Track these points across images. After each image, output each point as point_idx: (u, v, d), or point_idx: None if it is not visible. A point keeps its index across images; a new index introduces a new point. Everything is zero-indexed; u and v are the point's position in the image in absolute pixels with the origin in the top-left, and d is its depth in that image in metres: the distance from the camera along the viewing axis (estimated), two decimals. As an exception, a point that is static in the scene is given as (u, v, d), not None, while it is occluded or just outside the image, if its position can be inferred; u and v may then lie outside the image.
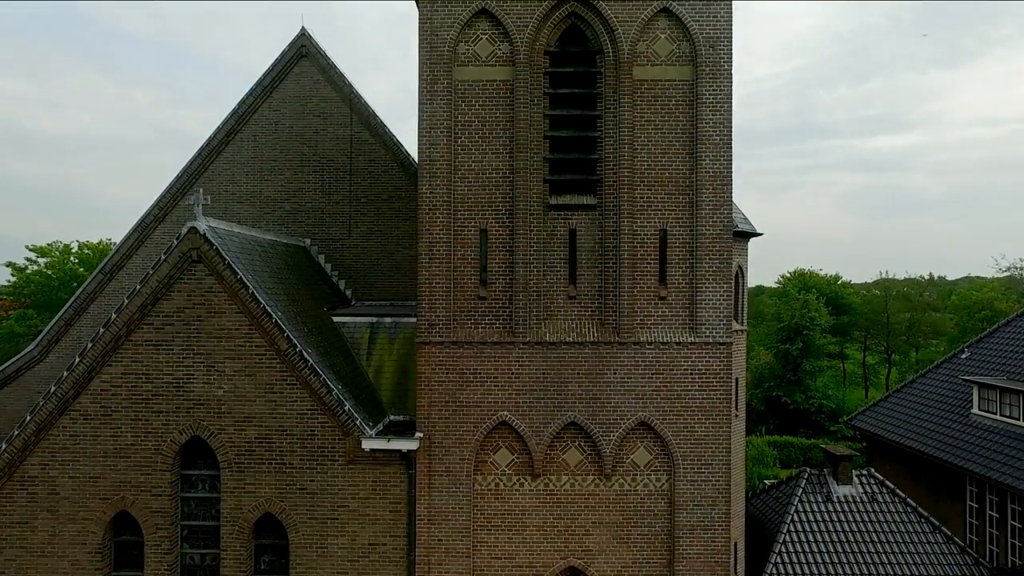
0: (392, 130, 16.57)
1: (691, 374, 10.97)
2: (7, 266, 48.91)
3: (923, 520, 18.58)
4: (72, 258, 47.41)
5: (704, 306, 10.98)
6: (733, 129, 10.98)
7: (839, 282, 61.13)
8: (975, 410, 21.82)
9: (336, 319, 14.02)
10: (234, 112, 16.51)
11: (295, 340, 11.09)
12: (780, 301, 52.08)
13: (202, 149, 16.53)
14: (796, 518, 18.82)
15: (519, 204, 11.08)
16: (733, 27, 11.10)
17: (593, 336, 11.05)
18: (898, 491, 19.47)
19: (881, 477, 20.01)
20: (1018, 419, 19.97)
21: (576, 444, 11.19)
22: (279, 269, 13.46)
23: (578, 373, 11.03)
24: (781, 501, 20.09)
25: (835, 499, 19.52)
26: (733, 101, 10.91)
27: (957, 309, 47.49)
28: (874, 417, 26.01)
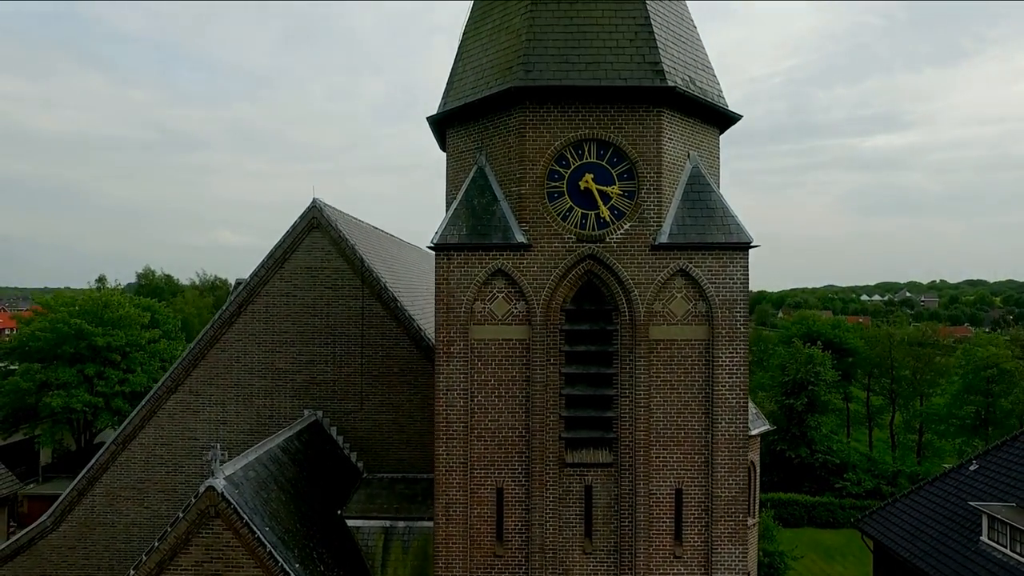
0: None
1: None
2: (13, 318, 49.10)
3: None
4: (74, 309, 47.62)
5: (720, 567, 11.02)
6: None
7: (842, 325, 61.10)
8: (984, 538, 21.88)
9: (350, 523, 14.09)
10: (246, 284, 16.54)
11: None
12: (785, 351, 52.04)
13: (214, 321, 16.57)
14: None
15: (535, 464, 11.11)
16: (749, 284, 11.08)
17: (608, 590, 11.10)
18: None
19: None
20: (1027, 558, 20.01)
21: None
22: (293, 480, 13.51)
23: (593, 626, 11.08)
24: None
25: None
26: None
27: (962, 365, 47.43)
28: (882, 523, 26.05)
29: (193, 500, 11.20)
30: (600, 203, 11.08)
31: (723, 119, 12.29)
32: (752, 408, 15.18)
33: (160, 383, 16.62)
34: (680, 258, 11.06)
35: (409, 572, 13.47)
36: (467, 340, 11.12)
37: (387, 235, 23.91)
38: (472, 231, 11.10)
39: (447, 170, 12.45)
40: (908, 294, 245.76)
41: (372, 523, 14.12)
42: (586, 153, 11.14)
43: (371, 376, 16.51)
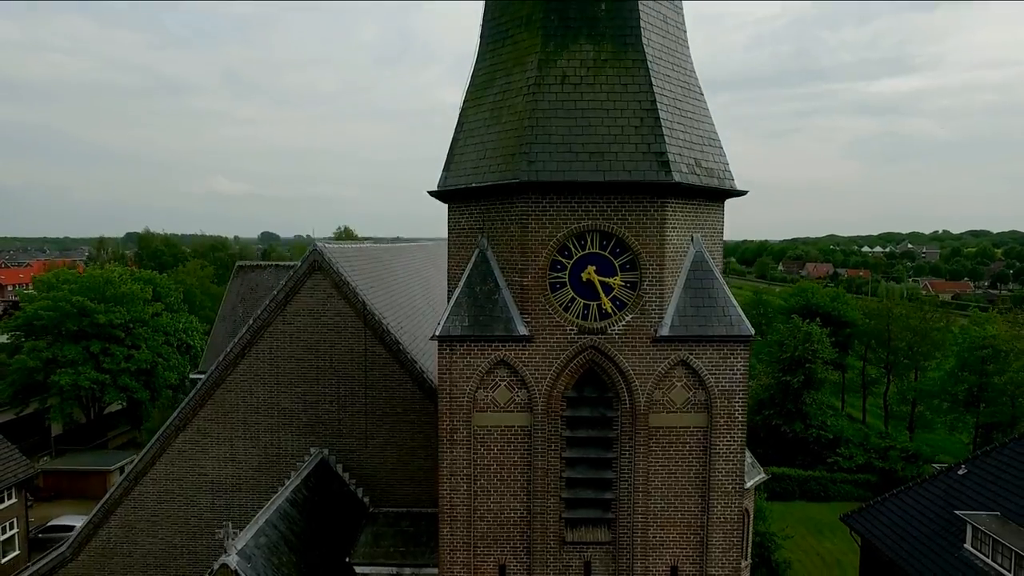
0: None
1: None
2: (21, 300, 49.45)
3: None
4: (75, 287, 47.80)
5: (711, 639, 11.59)
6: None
7: (841, 298, 61.32)
8: (967, 545, 22.72)
9: (358, 569, 14.67)
10: (248, 327, 16.64)
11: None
12: (784, 328, 52.46)
13: (219, 362, 16.77)
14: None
15: (536, 543, 11.53)
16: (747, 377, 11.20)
17: (605, 658, 11.71)
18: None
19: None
20: (1009, 570, 20.85)
21: None
22: (302, 533, 14.01)
23: None
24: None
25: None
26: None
27: (959, 343, 47.92)
28: (870, 521, 26.94)
29: (208, 575, 11.68)
30: (602, 295, 11.08)
31: (728, 192, 12.13)
32: (748, 457, 15.56)
33: (168, 422, 16.97)
34: (681, 349, 11.15)
35: (415, 620, 14.14)
36: (470, 427, 11.34)
37: (386, 246, 23.85)
38: (475, 322, 11.14)
39: (449, 244, 12.37)
40: (910, 246, 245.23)
41: (379, 570, 14.72)
42: (589, 243, 11.06)
43: (375, 416, 16.84)
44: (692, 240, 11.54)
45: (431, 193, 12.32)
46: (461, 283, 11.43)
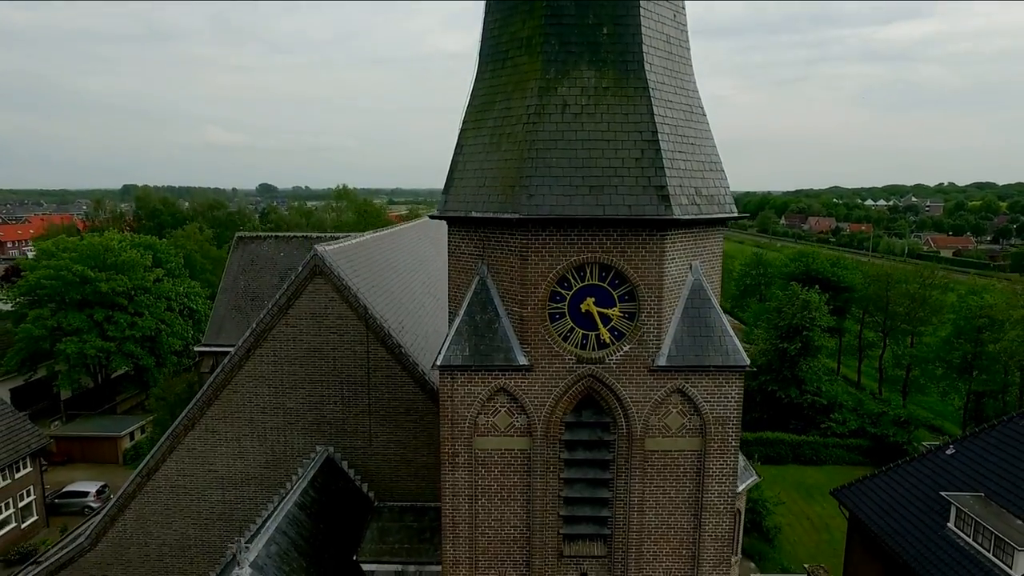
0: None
1: None
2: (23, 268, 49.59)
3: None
4: (76, 255, 47.85)
5: (701, 644, 12.26)
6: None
7: (841, 263, 61.36)
8: (951, 524, 23.58)
9: (365, 567, 15.35)
10: (252, 331, 16.87)
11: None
12: (783, 295, 52.74)
13: (224, 365, 17.06)
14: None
15: (535, 557, 12.06)
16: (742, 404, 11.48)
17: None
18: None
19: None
20: (988, 551, 21.72)
21: None
22: (311, 537, 14.60)
23: None
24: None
25: (811, 622, 21.68)
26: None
27: (956, 311, 48.27)
28: (858, 496, 27.85)
29: (222, 588, 12.28)
30: (601, 326, 11.24)
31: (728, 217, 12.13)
32: (741, 461, 16.03)
33: (177, 421, 17.40)
34: (677, 378, 11.38)
35: (420, 615, 14.89)
36: (471, 451, 11.70)
37: (386, 233, 23.84)
38: (475, 352, 11.34)
39: (449, 267, 12.45)
40: (914, 199, 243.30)
41: (385, 567, 15.39)
42: (588, 275, 11.15)
43: (378, 415, 17.25)
44: (691, 268, 11.62)
45: (432, 216, 12.32)
46: (462, 311, 11.58)
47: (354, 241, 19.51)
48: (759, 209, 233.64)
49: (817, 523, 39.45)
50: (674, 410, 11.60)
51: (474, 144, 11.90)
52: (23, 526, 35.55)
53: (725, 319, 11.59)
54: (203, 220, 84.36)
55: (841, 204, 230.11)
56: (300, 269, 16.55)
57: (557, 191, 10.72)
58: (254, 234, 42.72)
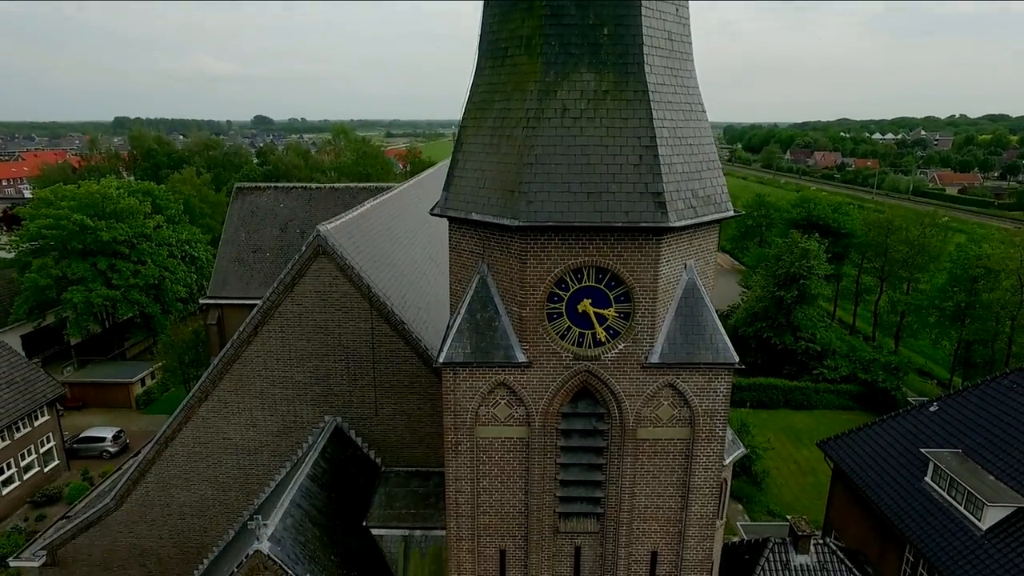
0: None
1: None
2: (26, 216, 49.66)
3: (861, 589, 22.45)
4: (74, 204, 47.78)
5: (684, 608, 13.38)
6: None
7: (842, 209, 61.13)
8: (927, 479, 24.86)
9: (374, 531, 16.43)
10: (259, 308, 17.34)
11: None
12: (782, 243, 52.95)
13: (232, 341, 17.64)
14: (758, 583, 22.72)
15: (533, 533, 12.98)
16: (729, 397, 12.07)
17: (592, 623, 13.60)
18: (847, 560, 23.13)
19: (835, 546, 23.54)
20: (961, 504, 23.03)
21: None
22: (323, 507, 15.57)
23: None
24: (748, 564, 23.82)
25: (793, 567, 23.25)
26: None
27: (954, 261, 48.59)
28: (843, 448, 29.14)
29: (244, 559, 13.25)
30: (597, 325, 11.68)
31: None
32: (729, 434, 16.82)
33: (191, 393, 18.13)
34: (669, 374, 11.92)
35: (427, 575, 16.07)
36: (473, 439, 12.39)
37: (386, 198, 23.91)
38: (476, 349, 11.83)
39: (450, 262, 12.78)
40: (923, 133, 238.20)
41: (393, 532, 16.47)
42: (585, 277, 11.49)
43: (384, 388, 17.97)
44: (686, 268, 11.95)
45: (432, 213, 12.54)
46: (463, 309, 11.99)
47: (355, 214, 19.68)
48: (764, 143, 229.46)
49: (804, 467, 41.22)
50: (665, 402, 12.21)
51: (474, 143, 11.97)
52: (46, 470, 37.27)
53: (716, 317, 12.01)
54: (199, 160, 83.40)
55: (848, 138, 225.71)
56: (304, 249, 16.85)
57: (556, 198, 10.91)
58: (253, 185, 42.55)
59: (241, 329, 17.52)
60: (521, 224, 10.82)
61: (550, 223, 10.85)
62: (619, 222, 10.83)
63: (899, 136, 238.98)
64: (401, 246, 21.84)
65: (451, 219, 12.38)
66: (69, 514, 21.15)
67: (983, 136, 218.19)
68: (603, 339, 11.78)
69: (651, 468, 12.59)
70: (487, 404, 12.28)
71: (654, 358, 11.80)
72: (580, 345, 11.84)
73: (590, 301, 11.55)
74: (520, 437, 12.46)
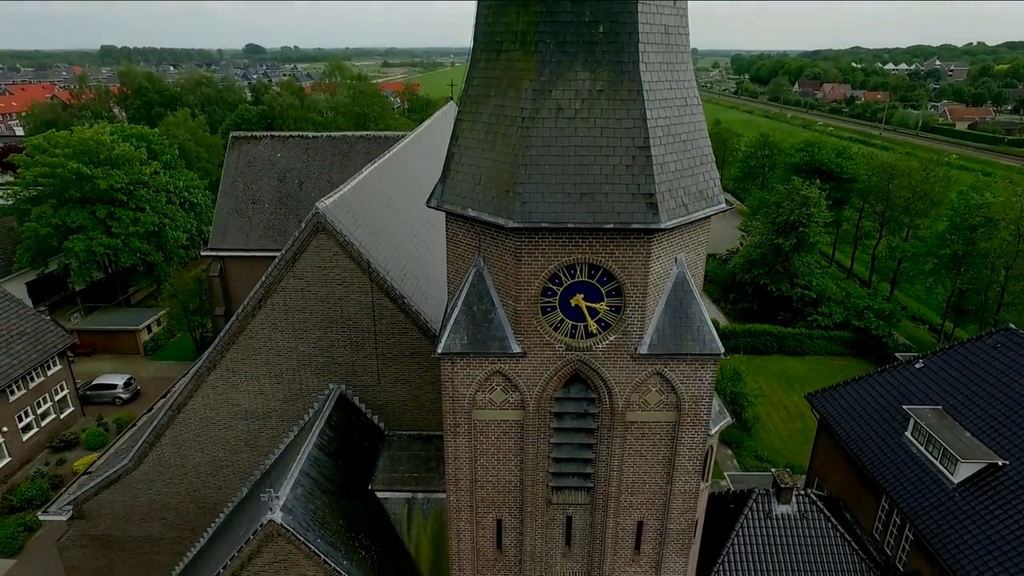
0: None
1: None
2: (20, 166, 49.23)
3: (841, 536, 23.94)
4: (69, 151, 47.37)
5: (668, 570, 14.47)
6: None
7: (846, 153, 60.38)
8: (907, 434, 25.96)
9: (379, 494, 17.47)
10: (262, 283, 17.76)
11: (358, 580, 14.82)
12: (783, 189, 52.68)
13: (238, 314, 18.15)
14: (742, 532, 24.22)
15: (527, 504, 13.89)
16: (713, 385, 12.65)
17: (581, 581, 14.75)
18: (825, 511, 24.53)
19: (815, 496, 24.88)
20: (937, 459, 24.18)
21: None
22: (331, 475, 16.50)
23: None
24: (732, 513, 25.22)
25: (775, 516, 24.70)
26: None
27: (955, 209, 48.51)
28: (829, 402, 30.21)
29: (259, 527, 14.22)
30: (589, 318, 12.12)
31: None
32: (716, 404, 17.54)
33: (200, 362, 18.81)
34: (657, 364, 12.46)
35: (429, 535, 17.21)
36: (471, 421, 13.08)
37: (383, 162, 23.89)
38: (473, 340, 12.33)
39: (448, 252, 13.10)
40: (938, 63, 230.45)
41: (397, 495, 17.50)
42: (578, 273, 11.84)
43: (385, 358, 18.61)
44: (676, 261, 12.27)
45: (429, 206, 12.75)
46: (460, 301, 12.40)
47: (353, 184, 19.76)
48: (772, 75, 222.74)
49: (793, 412, 42.65)
50: (653, 389, 12.81)
51: (469, 138, 12.05)
52: (62, 416, 38.70)
53: (704, 309, 12.44)
54: (192, 99, 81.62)
55: (859, 69, 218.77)
56: (303, 226, 17.08)
57: (549, 199, 11.11)
58: (249, 134, 42.03)
59: (245, 303, 17.99)
60: (515, 225, 11.08)
61: (544, 224, 11.11)
62: (611, 223, 11.08)
63: (912, 66, 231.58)
64: (399, 213, 22.01)
65: (448, 213, 12.60)
66: (91, 469, 22.29)
67: (1000, 66, 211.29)
68: (595, 331, 12.25)
69: (639, 448, 13.34)
70: (484, 390, 12.89)
71: (643, 349, 12.31)
72: (573, 337, 12.32)
73: (583, 296, 11.95)
74: (515, 420, 13.14)
